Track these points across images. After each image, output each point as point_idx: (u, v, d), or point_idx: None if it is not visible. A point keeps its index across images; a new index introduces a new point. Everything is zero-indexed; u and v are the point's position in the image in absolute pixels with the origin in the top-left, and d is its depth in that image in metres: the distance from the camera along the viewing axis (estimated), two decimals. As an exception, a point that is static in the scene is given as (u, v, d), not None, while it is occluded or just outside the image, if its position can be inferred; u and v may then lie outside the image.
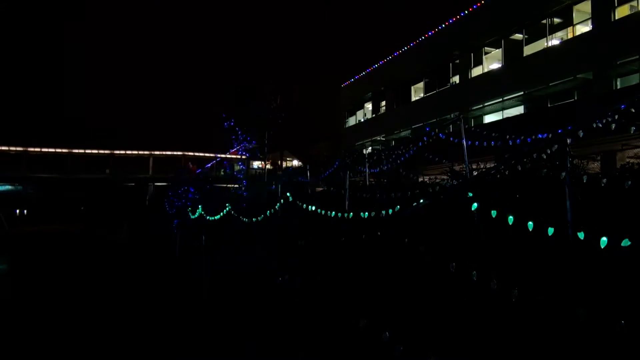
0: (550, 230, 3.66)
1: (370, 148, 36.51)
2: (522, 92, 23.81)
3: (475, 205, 3.97)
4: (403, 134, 33.16)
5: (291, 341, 6.01)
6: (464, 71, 28.21)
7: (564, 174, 4.10)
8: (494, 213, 3.89)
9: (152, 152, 58.37)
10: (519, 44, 24.52)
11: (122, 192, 54.03)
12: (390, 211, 4.60)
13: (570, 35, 21.97)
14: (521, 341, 3.90)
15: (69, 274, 15.30)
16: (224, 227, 13.33)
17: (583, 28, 21.44)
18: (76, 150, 55.12)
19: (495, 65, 26.51)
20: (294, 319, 6.59)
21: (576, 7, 21.48)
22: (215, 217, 13.17)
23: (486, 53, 27.10)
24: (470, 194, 3.96)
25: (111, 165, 56.50)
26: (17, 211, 61.30)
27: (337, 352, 5.22)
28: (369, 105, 39.22)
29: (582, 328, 3.21)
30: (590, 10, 20.72)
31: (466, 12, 27.50)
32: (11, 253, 23.64)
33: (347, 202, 8.38)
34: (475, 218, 5.07)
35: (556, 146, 4.41)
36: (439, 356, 3.53)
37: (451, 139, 8.96)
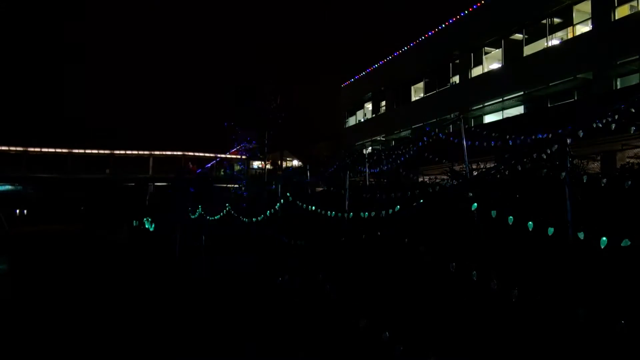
0: (550, 230, 3.66)
1: (370, 148, 36.51)
2: (522, 92, 23.82)
3: (475, 205, 3.97)
4: (403, 134, 33.16)
5: (291, 341, 6.01)
6: (464, 71, 28.21)
7: (564, 174, 4.10)
8: (494, 213, 3.90)
9: (152, 152, 58.39)
10: (519, 44, 24.52)
11: (122, 192, 54.04)
12: (390, 211, 4.60)
13: (570, 35, 21.97)
14: (521, 341, 3.90)
15: (69, 274, 15.30)
16: (224, 228, 13.34)
17: (583, 28, 21.44)
18: (76, 150, 55.15)
19: (495, 65, 26.52)
20: (294, 319, 6.59)
21: (576, 7, 21.48)
22: (215, 217, 13.18)
23: (486, 53, 27.10)
24: (471, 194, 3.96)
25: (111, 165, 56.53)
26: (17, 211, 61.31)
27: (337, 352, 5.22)
28: (369, 105, 39.22)
29: (582, 328, 3.21)
30: (590, 10, 20.73)
31: (466, 12, 27.51)
32: (11, 253, 23.65)
33: (347, 202, 8.38)
34: (475, 218, 5.08)
35: (556, 146, 4.41)
36: (439, 356, 3.53)
37: (451, 139, 8.96)
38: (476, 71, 27.45)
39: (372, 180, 12.01)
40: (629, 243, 3.26)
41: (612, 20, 19.60)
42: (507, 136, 8.36)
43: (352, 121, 41.64)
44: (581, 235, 3.61)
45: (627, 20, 19.14)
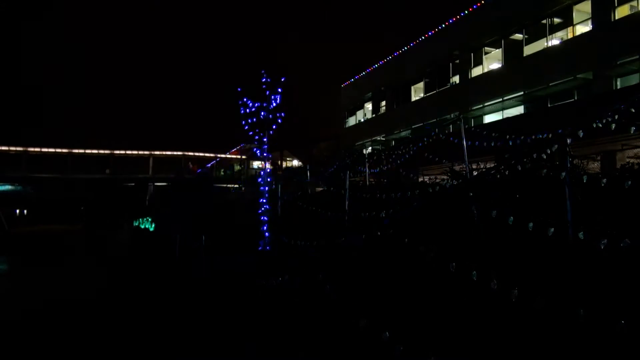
0: (550, 231, 3.66)
1: (370, 148, 36.50)
2: (522, 92, 23.81)
3: (474, 205, 3.97)
4: (403, 134, 33.16)
5: (291, 341, 6.01)
6: (464, 71, 28.20)
7: (564, 174, 4.10)
8: (494, 213, 3.90)
9: (152, 152, 58.37)
10: (519, 44, 24.52)
11: (122, 192, 54.03)
12: (391, 211, 4.60)
13: (570, 35, 21.96)
14: (521, 341, 3.90)
15: (69, 274, 15.31)
16: (224, 228, 13.34)
17: (583, 28, 21.43)
18: (76, 150, 55.13)
19: (495, 65, 26.51)
20: (294, 319, 6.59)
21: (576, 7, 21.48)
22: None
23: (486, 53, 27.10)
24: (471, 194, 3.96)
25: (111, 165, 56.51)
26: (17, 211, 61.34)
27: (337, 352, 5.22)
28: (369, 105, 39.21)
29: (582, 328, 3.21)
30: (590, 10, 20.72)
31: (466, 12, 27.50)
32: (11, 253, 23.65)
33: (347, 202, 8.38)
34: (475, 218, 5.08)
35: (556, 146, 4.41)
36: (439, 356, 3.53)
37: (451, 139, 8.96)
38: (476, 71, 27.45)
39: (372, 180, 12.01)
40: (629, 243, 3.26)
41: (612, 20, 19.59)
42: (507, 136, 8.35)
43: (352, 121, 41.63)
44: (581, 235, 3.61)
45: (627, 20, 19.13)
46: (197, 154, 60.82)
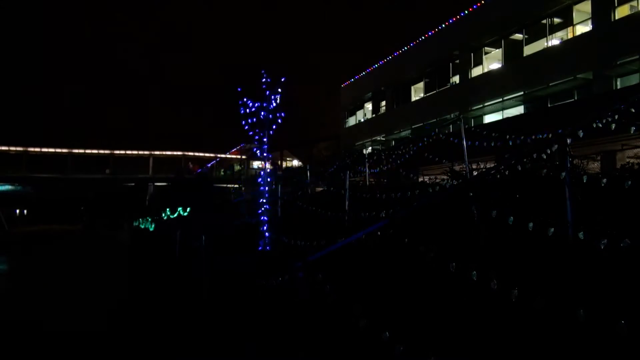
0: (550, 231, 3.66)
1: (370, 148, 36.50)
2: (522, 92, 23.82)
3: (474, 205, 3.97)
4: (403, 134, 33.16)
5: (291, 341, 6.01)
6: (464, 71, 28.21)
7: (564, 174, 4.10)
8: (494, 213, 3.90)
9: (152, 152, 58.41)
10: (519, 44, 24.53)
11: (122, 192, 54.07)
12: (391, 211, 4.60)
13: (570, 35, 21.97)
14: (521, 341, 3.90)
15: (69, 274, 15.30)
16: (224, 228, 13.33)
17: (583, 28, 21.44)
18: (76, 150, 55.17)
19: (495, 65, 26.51)
20: (293, 319, 6.59)
21: (576, 7, 21.49)
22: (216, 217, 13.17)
23: (486, 53, 27.10)
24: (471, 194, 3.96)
25: (111, 165, 56.55)
26: (17, 211, 61.35)
27: (337, 352, 5.22)
28: (369, 105, 39.22)
29: (582, 328, 3.21)
30: (590, 10, 20.73)
31: (466, 12, 27.51)
32: (11, 253, 23.65)
33: (347, 202, 8.38)
34: (475, 218, 5.08)
35: (556, 146, 4.41)
36: (439, 356, 3.53)
37: (451, 139, 8.97)
38: (476, 71, 27.45)
39: (372, 180, 12.01)
40: (629, 243, 3.26)
41: (612, 20, 19.60)
42: (507, 136, 8.35)
43: (352, 121, 41.64)
44: (581, 235, 3.61)
45: (627, 20, 19.14)
46: (197, 154, 60.87)
